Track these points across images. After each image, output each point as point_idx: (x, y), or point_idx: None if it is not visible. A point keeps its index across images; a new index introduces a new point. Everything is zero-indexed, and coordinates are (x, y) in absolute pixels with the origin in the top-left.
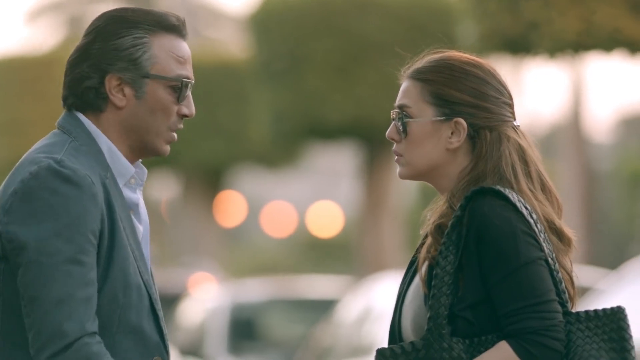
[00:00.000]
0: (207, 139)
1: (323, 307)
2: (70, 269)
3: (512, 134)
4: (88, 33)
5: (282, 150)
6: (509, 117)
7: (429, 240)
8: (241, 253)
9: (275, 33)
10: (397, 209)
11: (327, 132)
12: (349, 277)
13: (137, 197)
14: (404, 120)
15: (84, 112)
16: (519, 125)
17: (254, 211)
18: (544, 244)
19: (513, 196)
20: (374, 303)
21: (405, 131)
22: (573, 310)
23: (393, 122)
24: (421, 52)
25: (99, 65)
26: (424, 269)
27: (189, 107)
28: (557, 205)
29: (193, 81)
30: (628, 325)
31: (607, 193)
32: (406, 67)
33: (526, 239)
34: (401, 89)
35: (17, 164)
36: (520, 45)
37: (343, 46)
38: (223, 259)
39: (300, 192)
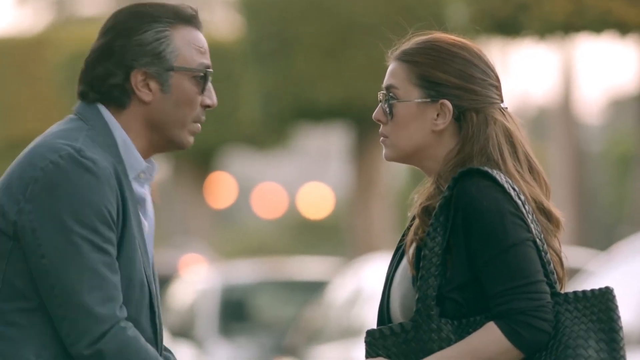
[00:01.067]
0: None
1: (313, 289)
2: (98, 257)
3: (498, 116)
4: (106, 31)
5: (272, 131)
6: (496, 99)
7: (416, 222)
8: (232, 234)
9: (264, 14)
10: (388, 190)
11: (317, 113)
12: (340, 258)
13: (145, 192)
14: (390, 101)
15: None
16: (506, 108)
17: (244, 192)
18: (532, 225)
19: (500, 177)
20: (364, 284)
21: (391, 113)
22: (562, 291)
23: (380, 104)
24: (409, 34)
25: (123, 62)
26: (411, 250)
27: (211, 97)
28: (545, 186)
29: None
30: (616, 306)
31: (597, 174)
32: (393, 49)
33: (514, 220)
34: (388, 70)
35: (31, 147)
36: (510, 26)
37: (332, 28)
38: (213, 240)
39: (291, 173)
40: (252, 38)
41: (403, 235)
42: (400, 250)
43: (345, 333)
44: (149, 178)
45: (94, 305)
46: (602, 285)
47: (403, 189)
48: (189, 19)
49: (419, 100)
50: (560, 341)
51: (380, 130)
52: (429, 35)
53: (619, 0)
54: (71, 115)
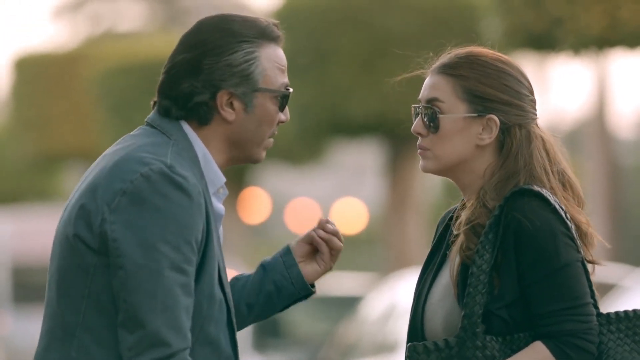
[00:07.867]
0: None
1: (347, 304)
2: (175, 277)
3: (538, 131)
4: (192, 46)
5: (306, 146)
6: (536, 114)
7: (461, 238)
8: (265, 249)
9: (299, 28)
10: (422, 205)
11: (352, 128)
12: (374, 273)
13: (223, 207)
14: (437, 115)
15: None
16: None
17: (278, 208)
18: (579, 245)
19: (551, 197)
20: (398, 299)
21: (435, 126)
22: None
23: (419, 116)
24: (445, 47)
25: (211, 81)
26: (455, 267)
27: (286, 114)
28: (578, 200)
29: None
30: None
31: (632, 189)
32: (433, 62)
33: (565, 241)
34: (428, 83)
35: (114, 160)
36: (545, 41)
37: (367, 41)
38: (247, 255)
39: (325, 188)
40: (286, 52)
41: (432, 251)
42: (435, 267)
43: (380, 348)
44: (226, 193)
45: (164, 326)
46: (639, 301)
47: (437, 203)
48: (275, 38)
49: (467, 114)
50: None
51: (419, 142)
52: (469, 49)
53: None
54: (145, 127)
